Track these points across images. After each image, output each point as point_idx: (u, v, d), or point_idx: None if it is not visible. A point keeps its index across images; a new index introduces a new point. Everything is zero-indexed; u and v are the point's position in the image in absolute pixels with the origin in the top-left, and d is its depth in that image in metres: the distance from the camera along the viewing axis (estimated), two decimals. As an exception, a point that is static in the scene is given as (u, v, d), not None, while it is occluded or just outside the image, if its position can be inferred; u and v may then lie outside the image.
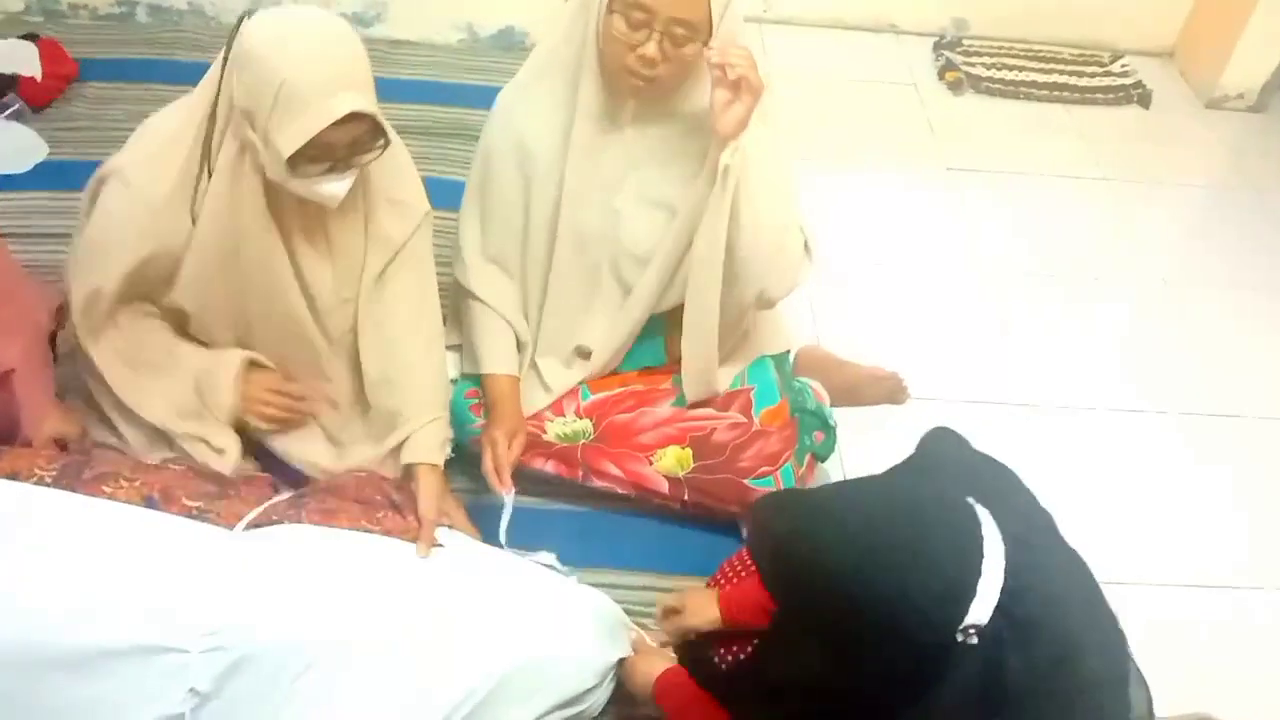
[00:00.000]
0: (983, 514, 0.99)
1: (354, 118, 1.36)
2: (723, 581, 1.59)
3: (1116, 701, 1.04)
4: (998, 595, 0.93)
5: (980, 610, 0.92)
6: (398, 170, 1.61)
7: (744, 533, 1.83)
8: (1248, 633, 1.87)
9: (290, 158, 1.36)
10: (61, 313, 1.81)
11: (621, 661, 1.52)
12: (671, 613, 1.51)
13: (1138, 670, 1.14)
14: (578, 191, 1.65)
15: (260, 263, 1.53)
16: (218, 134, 1.44)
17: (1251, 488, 2.15)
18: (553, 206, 1.68)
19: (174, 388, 1.60)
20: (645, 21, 1.45)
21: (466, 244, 1.76)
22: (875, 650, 0.95)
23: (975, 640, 0.92)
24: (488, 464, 1.65)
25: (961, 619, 0.92)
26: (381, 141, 1.44)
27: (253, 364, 1.63)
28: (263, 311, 1.60)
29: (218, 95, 1.42)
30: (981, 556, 0.94)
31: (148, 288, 1.56)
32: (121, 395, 1.58)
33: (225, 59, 1.41)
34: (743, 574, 1.58)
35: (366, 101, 1.37)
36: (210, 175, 1.46)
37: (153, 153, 1.48)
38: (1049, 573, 1.00)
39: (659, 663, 1.46)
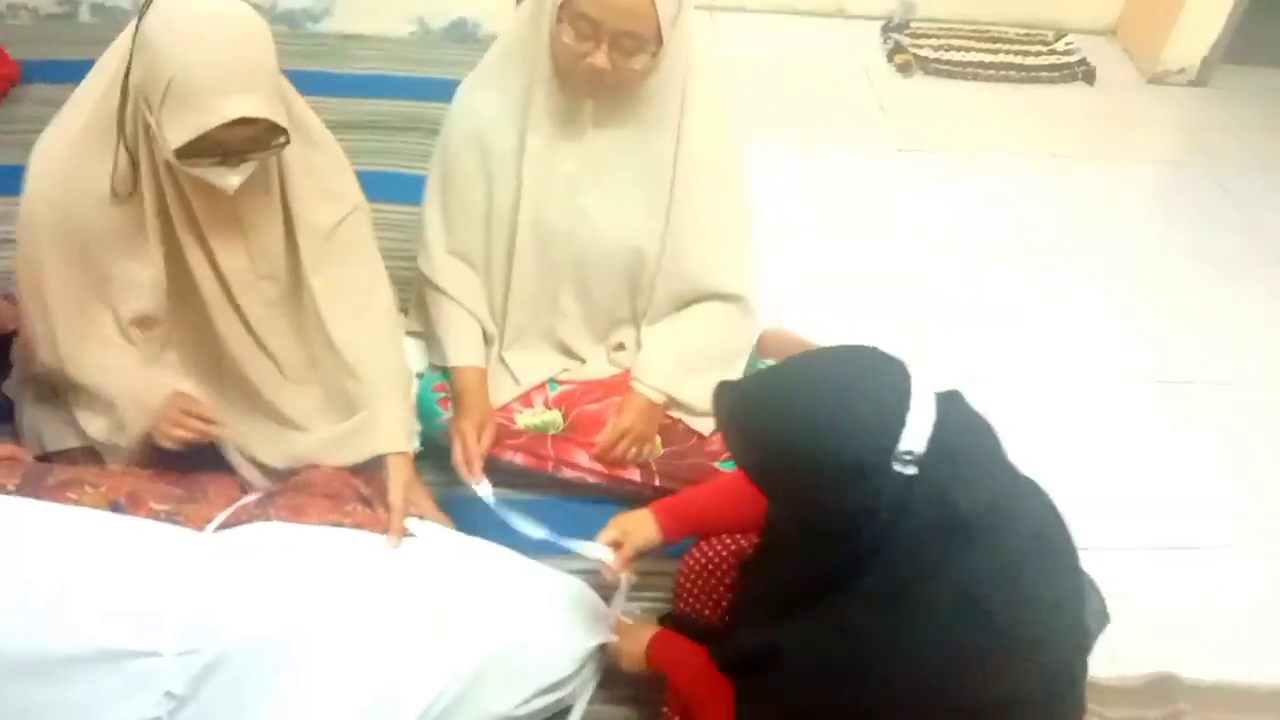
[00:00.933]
0: (910, 369, 1.06)
1: (245, 120, 1.32)
2: (689, 560, 1.61)
3: (1066, 566, 1.11)
4: (930, 429, 1.00)
5: (914, 437, 0.99)
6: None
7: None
8: (1219, 594, 1.92)
9: (181, 148, 1.33)
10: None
11: (603, 647, 1.53)
12: (616, 544, 1.51)
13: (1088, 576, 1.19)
14: (537, 190, 1.66)
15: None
16: (129, 108, 1.40)
17: (1226, 450, 2.20)
18: (513, 202, 1.68)
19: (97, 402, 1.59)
20: (591, 32, 1.45)
21: (430, 237, 1.76)
22: (832, 488, 1.01)
23: (915, 471, 0.99)
24: (458, 455, 1.65)
25: (896, 440, 0.98)
26: (282, 139, 1.41)
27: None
28: (177, 289, 1.57)
29: (128, 68, 1.38)
30: (908, 390, 1.02)
31: (93, 275, 1.53)
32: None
33: (135, 32, 1.35)
34: (706, 551, 1.60)
35: (260, 105, 1.33)
36: (125, 149, 1.42)
37: (58, 116, 1.47)
38: (978, 443, 1.07)
39: (645, 632, 1.47)
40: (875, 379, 1.03)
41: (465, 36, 3.09)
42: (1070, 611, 1.11)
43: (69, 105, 1.47)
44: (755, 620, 1.27)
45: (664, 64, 1.54)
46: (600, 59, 1.46)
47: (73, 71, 2.67)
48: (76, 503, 1.46)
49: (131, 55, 1.37)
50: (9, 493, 1.46)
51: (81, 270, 1.52)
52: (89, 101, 1.43)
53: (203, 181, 1.42)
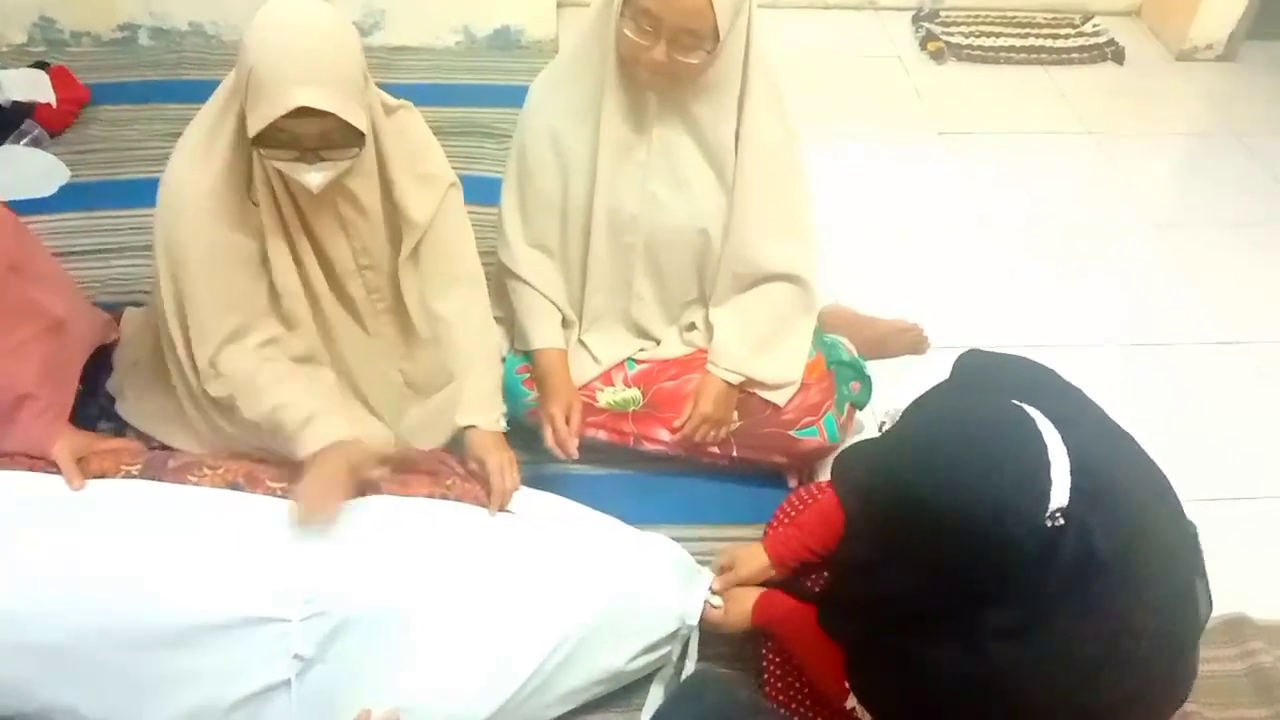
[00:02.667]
0: (1030, 410, 1.07)
1: (312, 112, 1.36)
2: (776, 525, 1.68)
3: (1187, 580, 1.14)
4: (1069, 476, 1.01)
5: (1059, 493, 1.00)
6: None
7: (790, 480, 1.92)
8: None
9: (258, 139, 1.39)
10: (113, 327, 1.88)
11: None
12: (725, 570, 1.59)
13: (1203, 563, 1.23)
14: (611, 179, 1.73)
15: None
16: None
17: (1263, 407, 2.26)
18: (588, 192, 1.75)
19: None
20: (652, 28, 1.51)
21: (509, 230, 1.83)
22: (979, 558, 1.02)
23: (1063, 522, 1.00)
24: (550, 439, 1.72)
25: (1047, 504, 1.00)
26: (356, 149, 1.45)
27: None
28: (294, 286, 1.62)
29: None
30: (1044, 445, 1.02)
31: (241, 298, 1.58)
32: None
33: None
34: (793, 515, 1.67)
35: (326, 98, 1.36)
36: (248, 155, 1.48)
37: (187, 146, 1.51)
38: (1102, 442, 1.09)
39: (751, 593, 1.53)
40: (1015, 443, 1.03)
41: (509, 44, 3.17)
42: (1195, 631, 1.15)
43: (196, 125, 1.52)
44: (872, 611, 1.23)
45: (723, 58, 1.60)
46: (659, 53, 1.52)
47: (136, 93, 2.85)
48: (197, 484, 1.54)
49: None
50: (133, 477, 1.55)
51: (229, 279, 1.56)
52: (211, 116, 1.49)
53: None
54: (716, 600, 1.56)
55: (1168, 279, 2.58)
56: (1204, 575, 1.22)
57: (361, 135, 1.43)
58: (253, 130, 1.38)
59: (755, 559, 1.57)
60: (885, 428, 1.28)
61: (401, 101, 1.62)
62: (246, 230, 1.54)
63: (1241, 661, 1.71)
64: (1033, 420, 1.05)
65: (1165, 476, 1.20)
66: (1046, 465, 1.01)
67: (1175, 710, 1.18)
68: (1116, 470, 1.08)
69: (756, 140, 1.71)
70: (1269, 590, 1.83)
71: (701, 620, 1.57)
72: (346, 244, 1.61)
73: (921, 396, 1.26)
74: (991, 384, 1.28)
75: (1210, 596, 1.23)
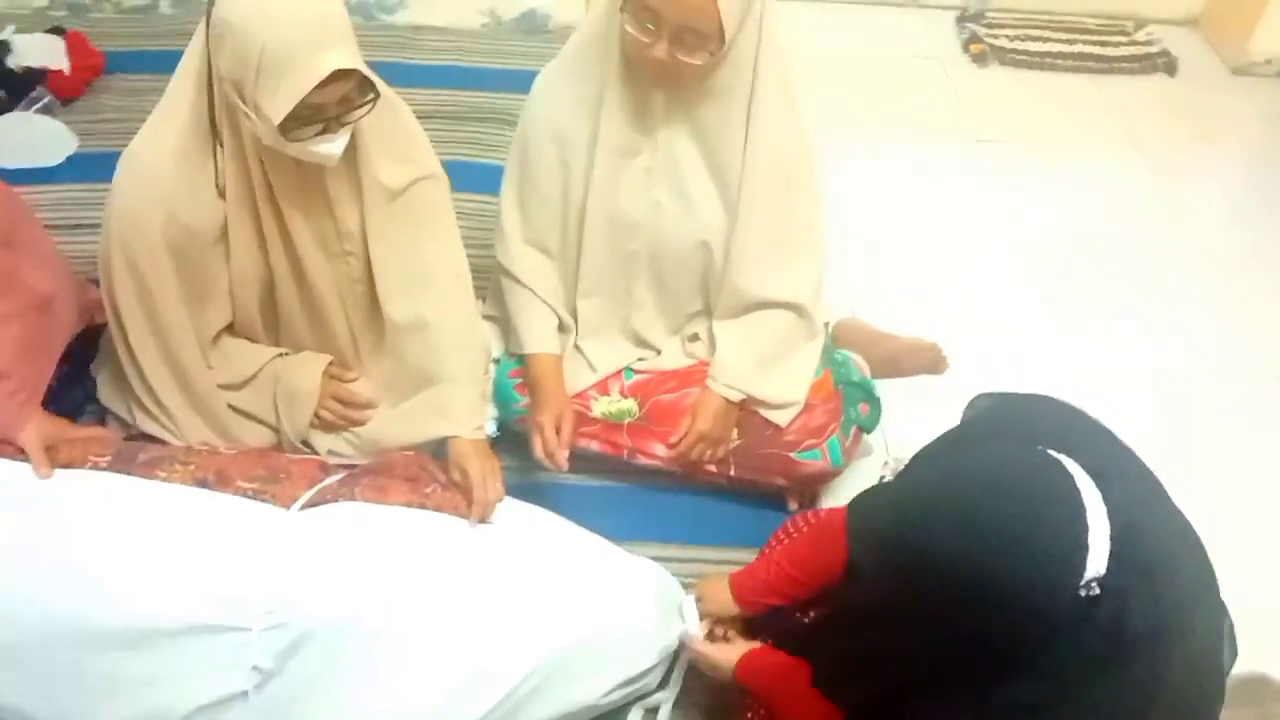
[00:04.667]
0: (1067, 464, 0.98)
1: (339, 75, 1.33)
2: (768, 551, 1.59)
3: (1217, 631, 1.08)
4: (1107, 541, 0.93)
5: (1097, 560, 0.92)
6: (403, 131, 1.58)
7: (791, 503, 1.85)
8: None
9: (281, 123, 1.34)
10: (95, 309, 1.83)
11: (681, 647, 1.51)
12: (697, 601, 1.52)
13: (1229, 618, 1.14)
14: (609, 180, 1.65)
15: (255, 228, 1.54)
16: (217, 107, 1.42)
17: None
18: (586, 192, 1.68)
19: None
20: (654, 25, 1.44)
21: (507, 226, 1.76)
22: (1006, 625, 0.95)
23: (1098, 592, 0.92)
24: (538, 449, 1.65)
25: (1083, 572, 0.92)
26: (371, 96, 1.41)
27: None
28: (280, 277, 1.59)
29: (209, 68, 1.40)
30: (1083, 507, 0.94)
31: (203, 286, 1.56)
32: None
33: (206, 29, 1.37)
34: (785, 541, 1.58)
35: (350, 57, 1.34)
36: (222, 147, 1.44)
37: (149, 128, 1.48)
38: (1138, 498, 1.01)
39: (735, 649, 1.44)
40: (1046, 498, 0.95)
41: (535, 28, 3.10)
42: (1221, 683, 1.08)
43: (158, 116, 1.48)
44: (880, 671, 1.17)
45: (731, 60, 1.52)
46: (661, 51, 1.45)
47: (155, 62, 2.77)
48: (165, 480, 1.48)
49: (209, 51, 1.38)
50: (100, 469, 1.50)
51: (191, 274, 1.55)
52: (181, 108, 1.44)
53: (285, 163, 1.44)
54: (696, 630, 1.47)
55: (1210, 309, 2.45)
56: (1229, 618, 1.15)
57: (374, 87, 1.40)
58: (280, 114, 1.33)
59: (720, 596, 1.49)
60: (885, 479, 1.19)
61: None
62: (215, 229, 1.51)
63: (1260, 724, 1.61)
64: (1071, 478, 0.96)
65: (1190, 524, 1.11)
66: (1085, 529, 0.93)
67: None
68: (1154, 531, 1.00)
69: (765, 151, 1.62)
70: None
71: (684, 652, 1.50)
72: (332, 226, 1.55)
73: (935, 444, 1.18)
74: (1019, 428, 1.18)
75: (1235, 640, 1.16)
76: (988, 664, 0.99)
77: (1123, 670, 0.96)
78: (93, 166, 2.44)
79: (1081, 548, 0.92)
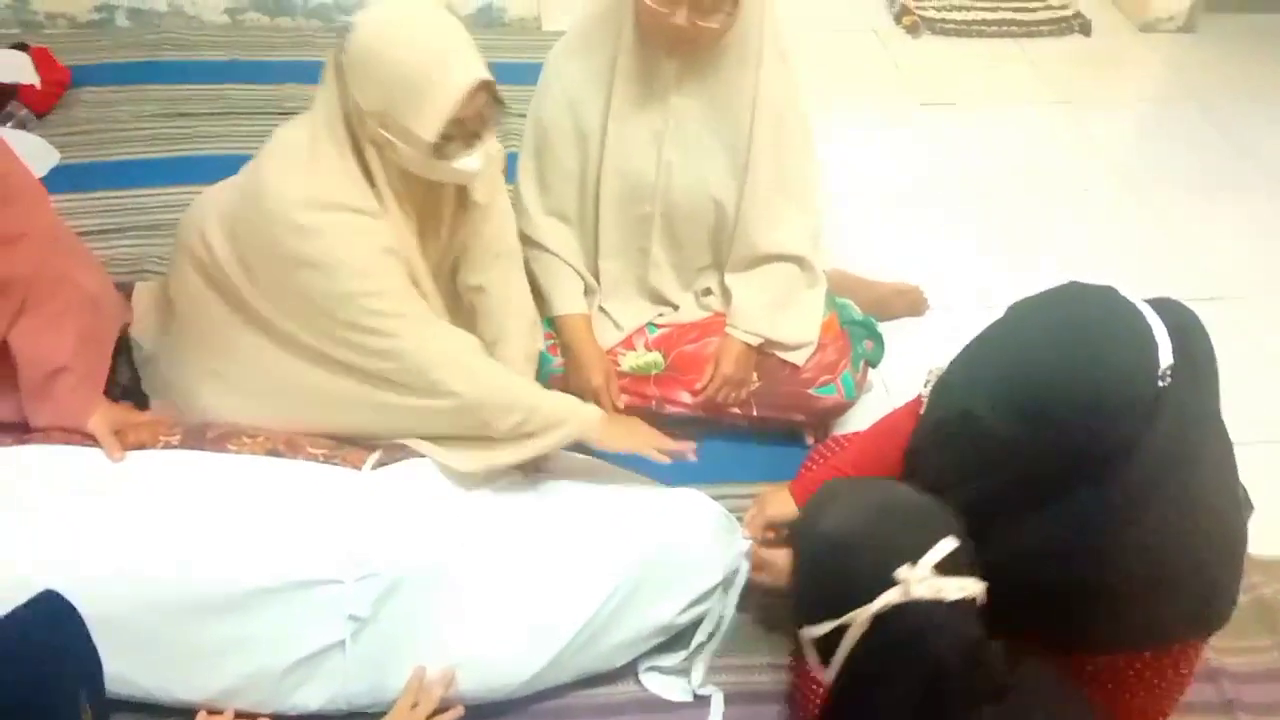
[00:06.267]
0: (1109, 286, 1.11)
1: (479, 87, 1.38)
2: (803, 473, 1.72)
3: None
4: (1166, 334, 1.05)
5: (1165, 352, 1.04)
6: None
7: (808, 438, 1.98)
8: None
9: (437, 140, 1.38)
10: (129, 309, 1.86)
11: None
12: (754, 518, 1.61)
13: None
14: (622, 145, 1.76)
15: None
16: (365, 148, 1.44)
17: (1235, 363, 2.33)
18: (601, 159, 1.78)
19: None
20: None
21: (527, 199, 1.85)
22: (1098, 422, 1.03)
23: (1170, 380, 1.03)
24: (607, 408, 1.77)
25: (1158, 361, 1.03)
26: (499, 119, 1.47)
27: None
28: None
29: (345, 109, 1.42)
30: (1141, 313, 1.07)
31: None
32: None
33: (337, 72, 1.41)
34: (820, 462, 1.71)
35: (485, 67, 1.39)
36: (373, 185, 1.47)
37: (304, 186, 1.44)
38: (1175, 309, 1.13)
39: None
40: (1116, 302, 1.07)
41: (492, 21, 3.17)
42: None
43: (299, 164, 1.45)
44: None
45: (742, 20, 1.63)
46: (681, 18, 1.56)
47: (118, 74, 2.81)
48: (238, 453, 1.54)
49: (342, 92, 1.41)
50: (173, 447, 1.55)
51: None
52: (324, 150, 1.44)
53: (417, 189, 1.50)
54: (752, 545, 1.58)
55: (1141, 233, 2.68)
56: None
57: (502, 102, 1.45)
58: (433, 133, 1.36)
59: (782, 501, 1.60)
60: (929, 385, 1.30)
61: None
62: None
63: (1245, 595, 1.79)
64: (1111, 287, 1.09)
65: None
66: (1148, 324, 1.06)
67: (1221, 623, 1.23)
68: (1194, 337, 1.12)
69: (770, 110, 1.75)
70: (1264, 529, 1.90)
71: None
72: (450, 238, 1.64)
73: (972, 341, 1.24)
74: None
75: (1247, 493, 1.28)
76: (1078, 467, 1.07)
77: (1186, 469, 1.07)
78: (77, 177, 2.46)
79: (1151, 340, 1.04)
